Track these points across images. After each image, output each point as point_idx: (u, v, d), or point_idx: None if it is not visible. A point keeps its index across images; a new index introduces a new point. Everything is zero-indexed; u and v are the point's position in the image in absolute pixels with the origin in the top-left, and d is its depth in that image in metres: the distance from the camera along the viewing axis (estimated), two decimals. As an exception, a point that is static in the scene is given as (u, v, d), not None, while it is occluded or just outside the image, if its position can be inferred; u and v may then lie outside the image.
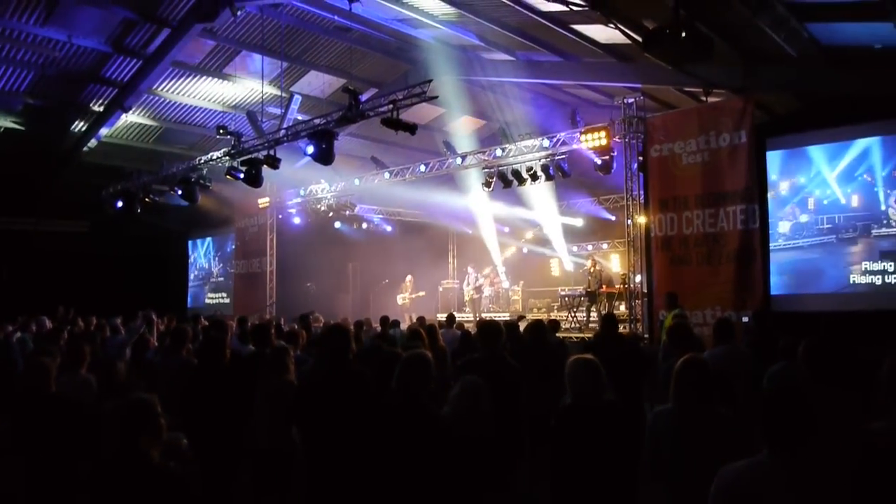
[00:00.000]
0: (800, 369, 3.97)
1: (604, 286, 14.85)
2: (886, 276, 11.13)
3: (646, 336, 11.38)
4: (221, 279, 21.90)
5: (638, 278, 12.44)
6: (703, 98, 12.28)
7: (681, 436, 3.37)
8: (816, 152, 12.32)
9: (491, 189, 14.68)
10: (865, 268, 11.35)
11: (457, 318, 11.06)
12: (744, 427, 3.24)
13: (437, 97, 11.10)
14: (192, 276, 23.14)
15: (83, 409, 4.23)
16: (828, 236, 12.15)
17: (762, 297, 10.69)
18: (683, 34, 7.18)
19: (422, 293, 19.63)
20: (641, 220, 12.32)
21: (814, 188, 12.33)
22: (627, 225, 12.48)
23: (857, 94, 10.80)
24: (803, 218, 12.30)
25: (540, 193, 16.56)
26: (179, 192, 14.57)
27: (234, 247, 20.86)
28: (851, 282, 11.46)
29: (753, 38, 9.85)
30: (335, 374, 4.30)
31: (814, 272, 12.19)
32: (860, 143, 11.80)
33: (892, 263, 11.12)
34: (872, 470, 2.52)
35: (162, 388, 5.07)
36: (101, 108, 14.84)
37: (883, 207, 11.56)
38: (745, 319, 9.87)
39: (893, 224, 11.45)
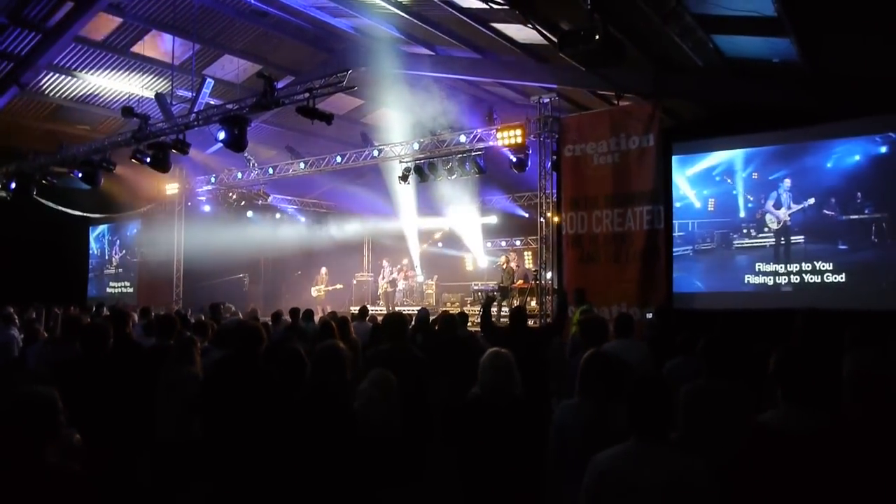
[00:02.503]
0: (697, 363, 4.16)
1: (519, 281, 15.14)
2: (777, 278, 11.77)
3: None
4: (121, 270, 20.99)
5: (549, 275, 12.72)
6: (615, 101, 12.66)
7: (586, 428, 3.46)
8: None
9: (407, 182, 14.67)
10: (759, 268, 11.95)
11: (370, 311, 11.01)
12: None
13: (354, 87, 11.01)
14: (92, 264, 22.11)
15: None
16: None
17: (665, 295, 11.15)
18: (597, 37, 7.37)
19: (339, 286, 19.44)
20: (554, 218, 12.60)
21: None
22: (540, 222, 12.73)
23: (754, 105, 11.37)
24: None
25: (456, 189, 16.67)
26: (80, 174, 13.83)
27: (135, 232, 20.07)
28: (746, 281, 12.05)
29: (663, 46, 10.21)
30: (241, 368, 4.21)
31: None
32: (738, 151, 12.20)
33: (783, 265, 11.75)
34: (749, 454, 2.72)
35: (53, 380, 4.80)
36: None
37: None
38: (650, 316, 10.29)
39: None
